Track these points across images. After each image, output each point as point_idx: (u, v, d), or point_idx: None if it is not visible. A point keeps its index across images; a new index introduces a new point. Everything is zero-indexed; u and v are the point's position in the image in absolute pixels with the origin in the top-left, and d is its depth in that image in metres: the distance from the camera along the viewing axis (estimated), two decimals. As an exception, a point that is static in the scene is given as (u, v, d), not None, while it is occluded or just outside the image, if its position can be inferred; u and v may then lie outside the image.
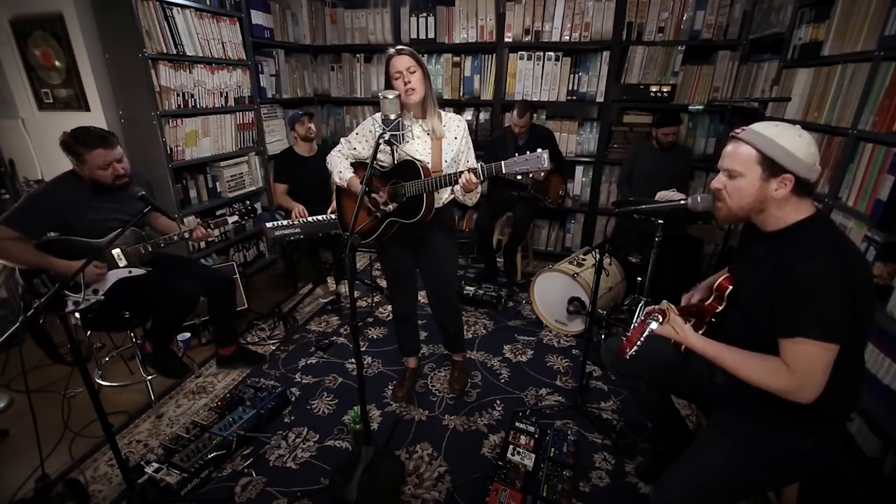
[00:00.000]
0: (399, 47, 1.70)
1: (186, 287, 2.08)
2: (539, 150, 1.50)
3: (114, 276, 1.98)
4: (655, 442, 1.94)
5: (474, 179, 1.65)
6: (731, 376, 1.18)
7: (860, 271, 1.08)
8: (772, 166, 1.11)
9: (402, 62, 1.67)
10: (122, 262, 2.00)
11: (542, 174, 3.26)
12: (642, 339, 1.24)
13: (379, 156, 1.81)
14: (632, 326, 1.32)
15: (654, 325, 1.24)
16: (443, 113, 1.84)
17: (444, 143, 1.80)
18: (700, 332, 1.35)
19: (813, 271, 1.05)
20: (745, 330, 1.24)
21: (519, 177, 1.56)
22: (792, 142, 1.10)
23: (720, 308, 1.39)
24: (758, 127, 1.15)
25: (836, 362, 1.06)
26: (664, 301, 1.32)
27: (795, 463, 1.20)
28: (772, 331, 1.12)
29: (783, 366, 1.08)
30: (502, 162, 1.57)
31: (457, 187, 1.72)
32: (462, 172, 1.64)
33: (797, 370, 1.06)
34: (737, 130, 1.18)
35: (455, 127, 1.84)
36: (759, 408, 1.19)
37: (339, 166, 1.90)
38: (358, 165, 1.92)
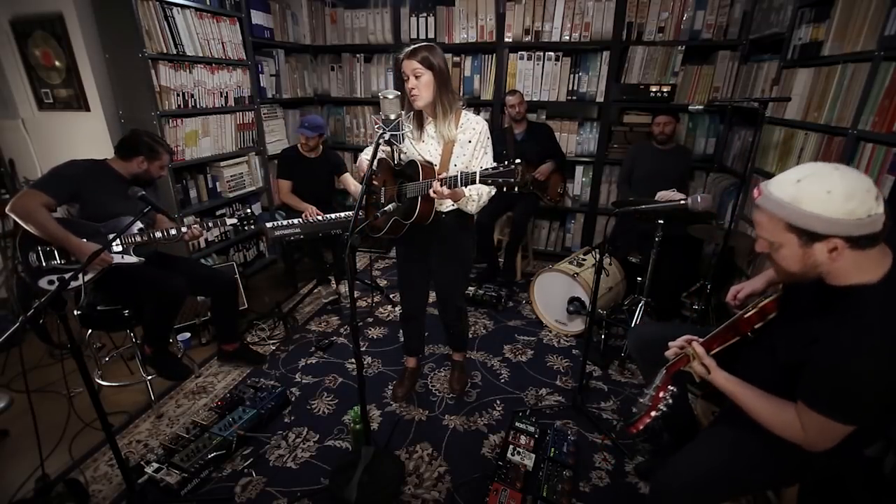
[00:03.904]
0: (413, 48, 1.63)
1: (175, 282, 2.08)
2: (517, 161, 1.42)
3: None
4: (656, 442, 1.94)
5: (445, 192, 1.55)
6: (747, 372, 1.17)
7: None
8: (806, 233, 0.94)
9: (409, 65, 1.62)
10: (118, 248, 2.02)
11: (544, 176, 3.28)
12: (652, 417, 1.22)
13: (397, 152, 1.79)
14: (649, 396, 1.26)
15: (663, 409, 1.22)
16: (463, 114, 1.76)
17: (457, 147, 1.74)
18: (733, 340, 1.32)
19: (862, 366, 0.92)
20: (775, 362, 1.17)
21: (493, 190, 1.50)
22: (819, 203, 0.91)
23: (758, 325, 1.31)
24: (775, 187, 0.98)
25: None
26: (689, 345, 1.27)
27: (802, 463, 1.18)
28: (795, 381, 1.05)
29: (798, 422, 1.03)
30: (477, 171, 1.49)
31: (450, 200, 1.68)
32: (433, 181, 1.57)
33: (809, 433, 1.02)
34: (755, 192, 1.04)
35: (471, 129, 1.74)
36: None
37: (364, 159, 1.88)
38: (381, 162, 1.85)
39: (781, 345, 1.15)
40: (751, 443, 1.20)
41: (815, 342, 1.00)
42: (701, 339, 1.30)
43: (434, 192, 1.56)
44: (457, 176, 1.53)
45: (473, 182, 1.50)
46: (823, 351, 0.98)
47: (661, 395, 1.21)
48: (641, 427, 1.23)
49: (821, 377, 0.99)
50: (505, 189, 1.45)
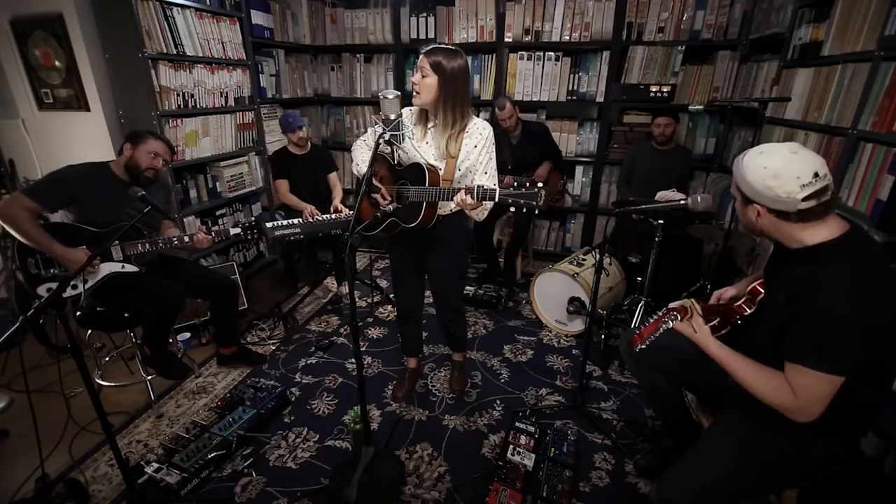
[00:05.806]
0: (433, 46, 1.62)
1: (173, 291, 2.07)
2: (539, 185, 1.44)
3: (107, 268, 1.99)
4: (656, 441, 1.94)
5: (469, 201, 1.55)
6: (747, 354, 1.19)
7: (885, 306, 1.00)
8: (742, 194, 1.14)
9: (422, 61, 1.62)
10: (118, 257, 2.02)
11: (543, 179, 3.27)
12: (656, 335, 1.27)
13: (397, 152, 1.78)
14: (648, 320, 1.34)
15: (669, 324, 1.27)
16: (472, 119, 1.74)
17: (462, 152, 1.73)
18: (723, 331, 1.35)
19: (827, 304, 1.00)
20: (767, 340, 1.20)
21: (512, 209, 1.49)
22: (754, 171, 1.08)
23: (749, 311, 1.36)
24: (749, 151, 1.13)
25: (853, 389, 1.03)
26: (690, 299, 1.32)
27: (802, 468, 1.19)
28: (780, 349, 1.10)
29: (788, 386, 1.07)
30: (497, 189, 1.51)
31: (452, 204, 1.67)
32: (459, 190, 1.57)
33: (800, 395, 1.05)
34: None
35: (478, 135, 1.71)
36: (769, 411, 1.16)
37: (359, 158, 1.87)
38: (379, 158, 1.84)
39: (768, 317, 1.21)
40: (754, 448, 1.20)
41: (788, 297, 1.08)
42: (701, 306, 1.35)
43: (460, 201, 1.57)
44: (477, 190, 1.52)
45: (492, 199, 1.51)
46: (797, 301, 1.06)
47: (660, 318, 1.29)
48: (639, 343, 1.30)
49: (799, 328, 1.05)
50: (525, 210, 1.44)
